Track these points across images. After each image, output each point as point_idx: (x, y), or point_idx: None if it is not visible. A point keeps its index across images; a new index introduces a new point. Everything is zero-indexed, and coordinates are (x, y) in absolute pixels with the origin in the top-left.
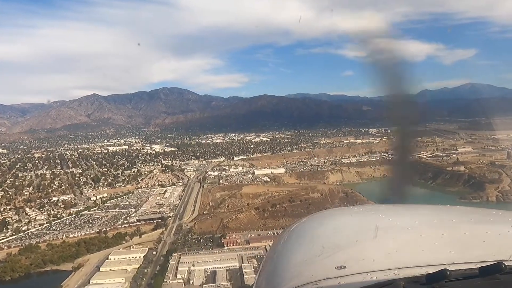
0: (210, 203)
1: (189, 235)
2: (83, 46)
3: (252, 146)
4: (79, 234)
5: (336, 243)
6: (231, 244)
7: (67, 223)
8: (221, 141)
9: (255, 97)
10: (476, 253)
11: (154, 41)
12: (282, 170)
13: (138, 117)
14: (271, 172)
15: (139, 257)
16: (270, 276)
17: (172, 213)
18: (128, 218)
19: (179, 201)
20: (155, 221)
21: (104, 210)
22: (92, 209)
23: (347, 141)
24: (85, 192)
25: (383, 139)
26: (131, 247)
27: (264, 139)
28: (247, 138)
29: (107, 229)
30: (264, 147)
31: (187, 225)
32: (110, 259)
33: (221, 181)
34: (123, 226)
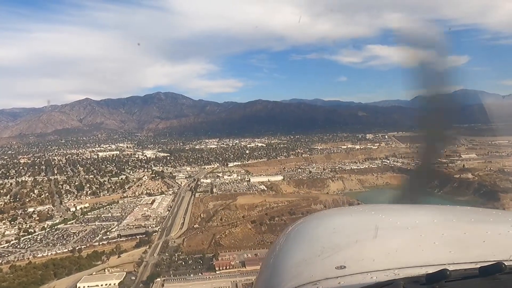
0: (202, 215)
1: (176, 254)
2: (77, 50)
3: (247, 151)
4: (49, 253)
5: (336, 243)
6: (224, 267)
7: (38, 239)
8: (215, 146)
9: (250, 102)
10: (476, 253)
11: (148, 46)
12: (279, 178)
13: (131, 122)
14: (268, 180)
15: (114, 284)
16: (270, 276)
17: (159, 227)
18: (108, 233)
19: (167, 212)
20: (138, 237)
21: (82, 223)
22: (69, 222)
23: (345, 146)
24: (66, 201)
25: (382, 144)
26: (106, 270)
27: (259, 144)
28: (242, 143)
29: (83, 246)
30: (259, 152)
31: (174, 241)
32: (78, 287)
33: (214, 190)
34: (101, 243)
